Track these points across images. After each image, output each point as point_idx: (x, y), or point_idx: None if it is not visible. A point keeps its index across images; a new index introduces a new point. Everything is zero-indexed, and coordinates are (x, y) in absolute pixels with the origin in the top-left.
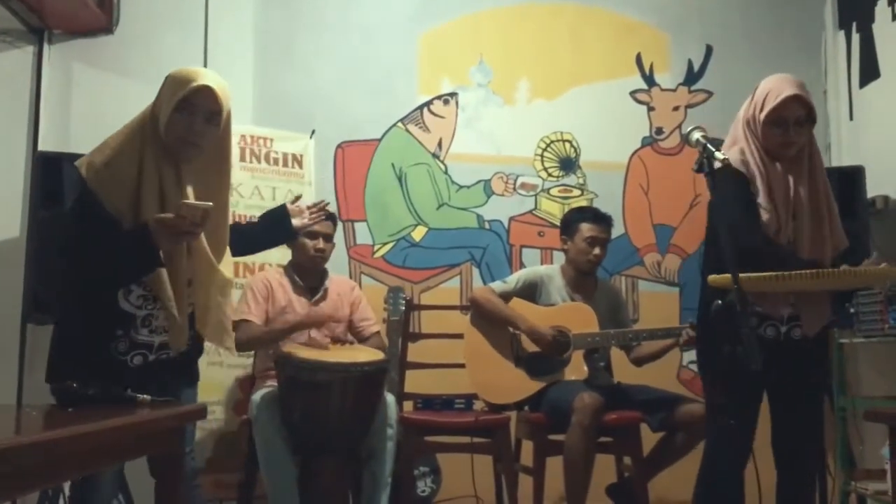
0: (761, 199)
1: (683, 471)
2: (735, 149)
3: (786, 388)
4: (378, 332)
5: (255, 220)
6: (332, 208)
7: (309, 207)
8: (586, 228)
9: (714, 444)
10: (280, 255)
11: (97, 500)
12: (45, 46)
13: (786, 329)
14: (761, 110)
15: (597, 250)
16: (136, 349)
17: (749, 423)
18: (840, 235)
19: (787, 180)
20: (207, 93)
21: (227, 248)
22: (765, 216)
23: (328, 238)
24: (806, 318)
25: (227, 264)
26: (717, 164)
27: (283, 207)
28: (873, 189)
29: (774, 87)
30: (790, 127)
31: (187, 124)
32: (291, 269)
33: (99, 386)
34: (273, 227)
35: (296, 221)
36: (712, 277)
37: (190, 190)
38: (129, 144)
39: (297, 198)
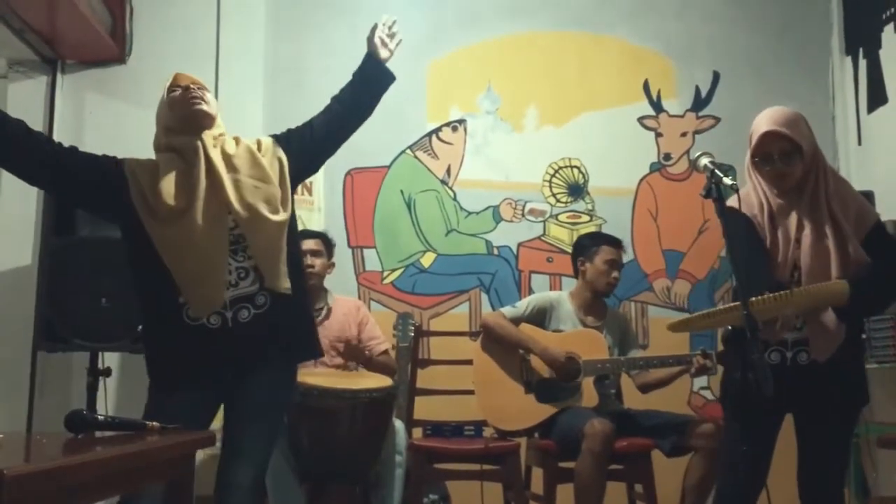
0: (765, 234)
1: None
2: (744, 189)
3: (808, 416)
4: (387, 351)
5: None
6: (341, 235)
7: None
8: (607, 251)
9: (724, 471)
10: None
11: None
12: (59, 76)
13: (791, 354)
14: (750, 148)
15: (615, 273)
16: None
17: (762, 452)
18: (857, 255)
19: (789, 212)
20: (186, 75)
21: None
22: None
23: (315, 254)
24: (814, 343)
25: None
26: (725, 190)
27: (366, 55)
28: (883, 214)
29: (756, 125)
30: (776, 161)
31: (182, 93)
32: None
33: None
34: (364, 77)
35: (383, 53)
36: (671, 324)
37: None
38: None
39: (374, 27)
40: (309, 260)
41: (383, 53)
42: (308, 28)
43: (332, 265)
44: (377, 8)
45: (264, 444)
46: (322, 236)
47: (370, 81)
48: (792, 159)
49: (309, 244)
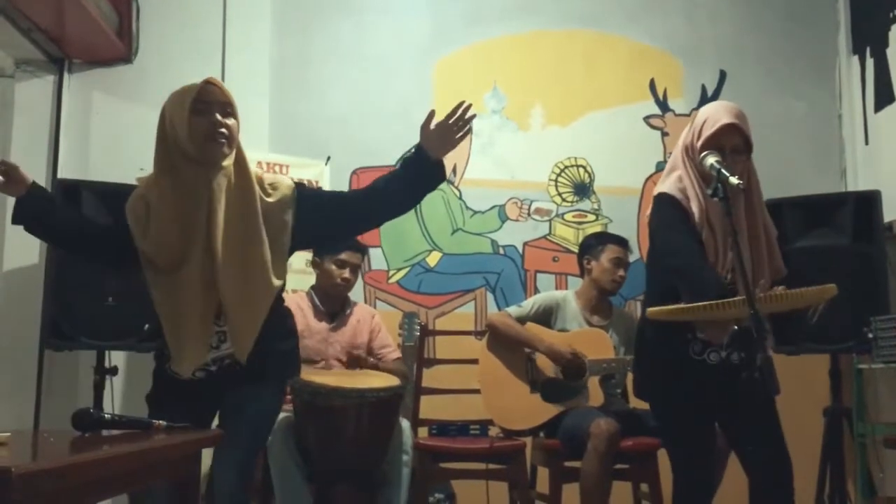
0: (698, 226)
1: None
2: (674, 175)
3: (738, 411)
4: (399, 359)
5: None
6: None
7: (449, 117)
8: (613, 249)
9: (680, 479)
10: (296, 281)
11: None
12: (66, 76)
13: (725, 354)
14: (699, 137)
15: (621, 271)
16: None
17: (709, 452)
18: (778, 263)
19: (723, 212)
20: (214, 87)
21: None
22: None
23: (355, 269)
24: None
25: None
26: (733, 188)
27: (418, 149)
28: (890, 213)
29: (712, 115)
30: (727, 155)
31: (209, 121)
32: (314, 294)
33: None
34: (419, 174)
35: (439, 153)
36: (652, 311)
37: (222, 206)
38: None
39: (431, 114)
40: (347, 273)
41: (440, 153)
42: (313, 25)
43: (358, 277)
44: (383, 5)
45: (244, 448)
46: (364, 250)
47: (425, 179)
48: (739, 157)
49: (353, 258)
